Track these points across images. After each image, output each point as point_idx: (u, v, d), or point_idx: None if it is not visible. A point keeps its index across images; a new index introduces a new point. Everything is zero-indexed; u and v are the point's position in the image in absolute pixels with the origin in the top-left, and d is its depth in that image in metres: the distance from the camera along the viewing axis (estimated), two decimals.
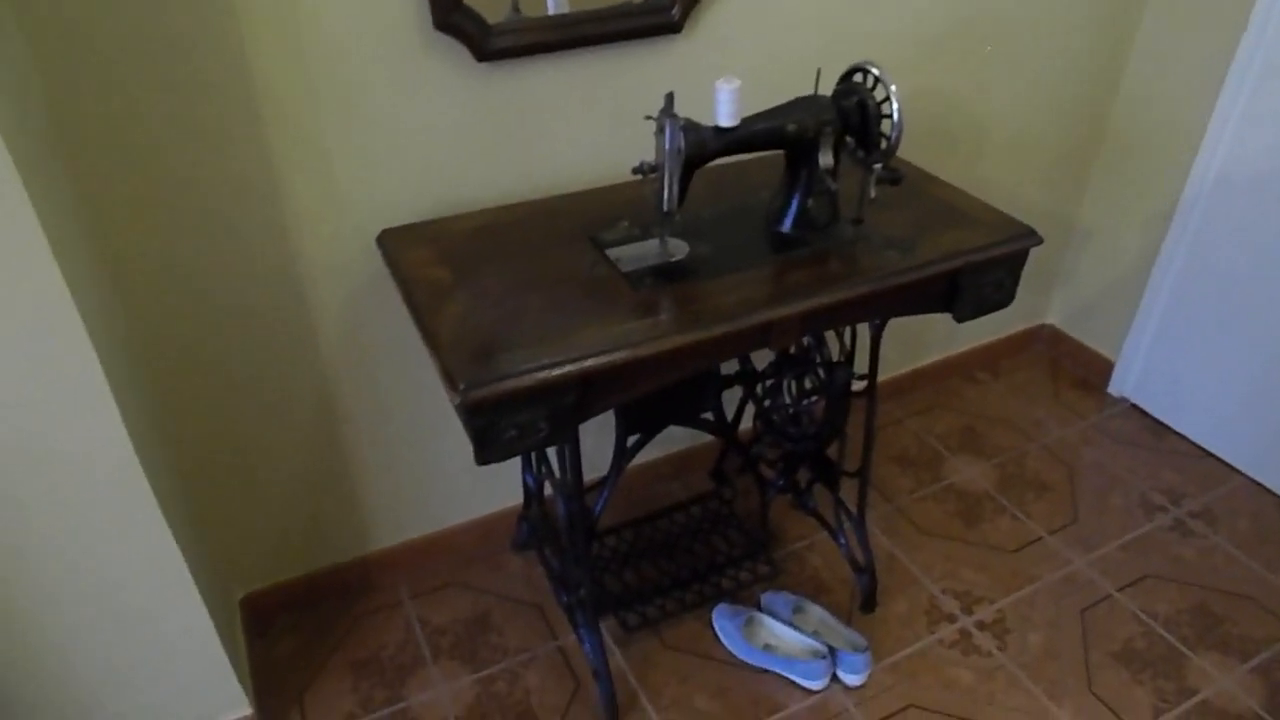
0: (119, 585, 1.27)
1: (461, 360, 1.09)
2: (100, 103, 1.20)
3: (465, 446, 1.78)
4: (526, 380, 1.07)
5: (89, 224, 1.26)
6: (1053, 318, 2.55)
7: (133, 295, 1.35)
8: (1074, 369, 2.50)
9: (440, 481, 1.82)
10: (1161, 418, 2.29)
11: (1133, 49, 2.11)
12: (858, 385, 1.63)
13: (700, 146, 1.22)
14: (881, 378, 2.28)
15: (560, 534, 1.56)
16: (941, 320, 2.20)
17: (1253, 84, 1.88)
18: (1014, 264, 1.42)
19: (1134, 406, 2.35)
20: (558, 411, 1.13)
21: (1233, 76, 1.91)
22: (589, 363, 1.10)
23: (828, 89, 1.36)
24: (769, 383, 1.76)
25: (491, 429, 1.09)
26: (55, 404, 1.08)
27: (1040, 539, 1.97)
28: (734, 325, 1.18)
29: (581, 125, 1.53)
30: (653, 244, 1.33)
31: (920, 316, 2.12)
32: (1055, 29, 1.97)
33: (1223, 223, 2.02)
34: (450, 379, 1.07)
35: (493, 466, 1.80)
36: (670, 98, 1.19)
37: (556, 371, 1.08)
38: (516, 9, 1.46)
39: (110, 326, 1.24)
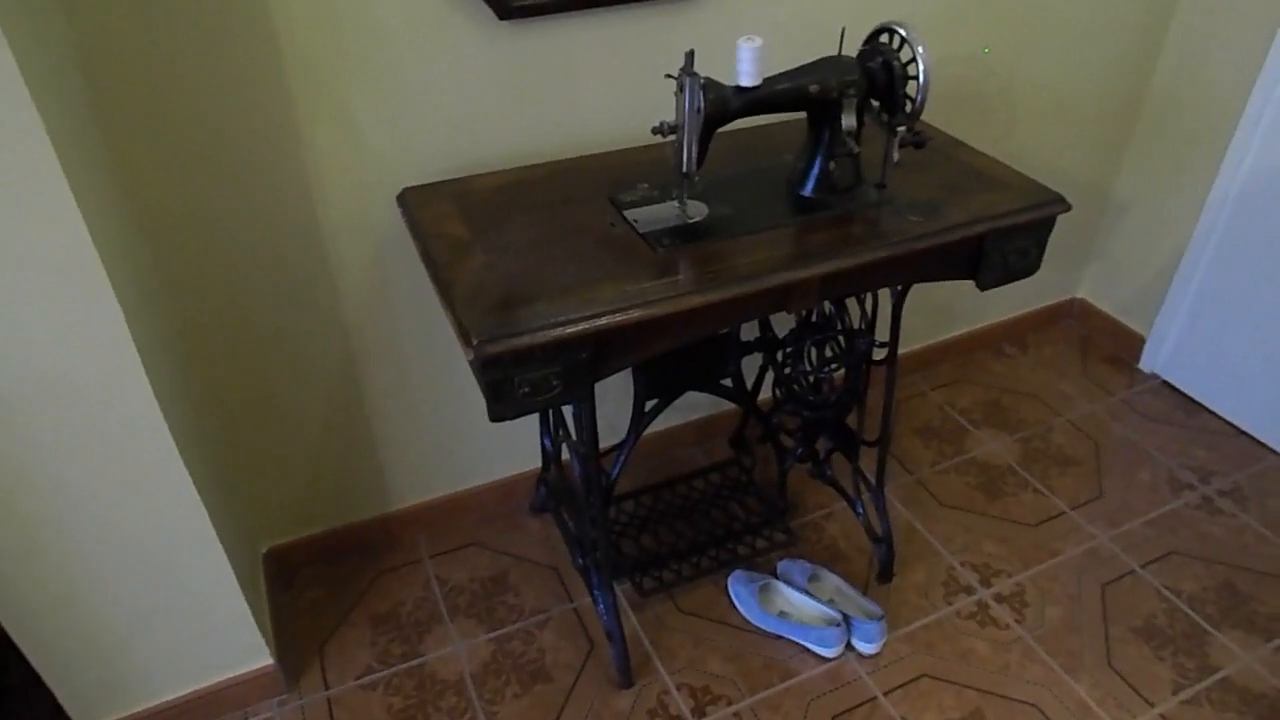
0: (142, 532, 1.30)
1: (476, 315, 1.10)
2: (129, 53, 1.21)
3: (483, 409, 1.80)
4: (541, 336, 1.07)
5: (117, 173, 1.27)
6: (1084, 292, 2.50)
7: (159, 244, 1.37)
8: (1104, 344, 2.46)
9: (461, 442, 1.84)
10: (1193, 395, 2.25)
11: (1176, 13, 2.04)
12: (878, 354, 1.61)
13: (721, 105, 1.21)
14: (906, 349, 2.27)
15: (576, 495, 1.57)
16: (969, 292, 2.16)
17: None
18: (1041, 231, 1.39)
19: (1165, 383, 2.31)
20: (572, 369, 1.13)
21: (1277, 47, 1.84)
22: (603, 320, 1.10)
23: (851, 49, 1.33)
24: (789, 350, 1.75)
25: (505, 384, 1.10)
26: (76, 345, 1.10)
27: (1063, 514, 1.95)
28: (751, 286, 1.18)
29: (602, 85, 1.52)
30: (671, 205, 1.32)
31: (947, 286, 2.10)
32: None
33: (1262, 198, 1.97)
34: (464, 333, 1.07)
35: (512, 428, 1.82)
36: (690, 55, 1.17)
37: (571, 329, 1.08)
38: None
39: (136, 274, 1.25)
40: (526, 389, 1.11)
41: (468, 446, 1.85)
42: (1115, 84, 2.10)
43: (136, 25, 1.19)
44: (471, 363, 1.08)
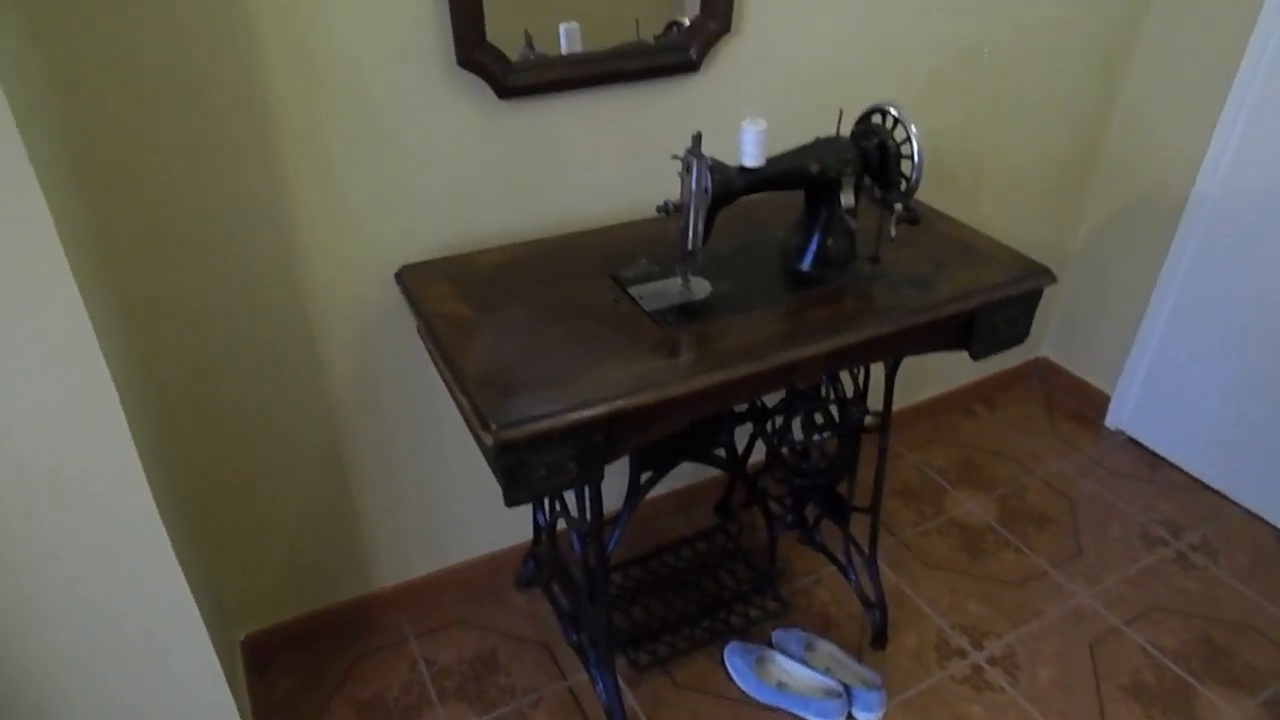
0: (123, 619, 1.23)
1: (492, 399, 1.08)
2: (115, 132, 1.18)
3: (471, 483, 1.77)
4: (559, 420, 1.06)
5: (99, 252, 1.24)
6: (1047, 350, 2.58)
7: (140, 324, 1.33)
8: (1069, 402, 2.53)
9: (445, 518, 1.80)
10: (1158, 450, 2.32)
11: (1126, 84, 2.15)
12: (869, 421, 1.63)
13: (726, 186, 1.23)
14: (877, 407, 2.30)
15: (574, 572, 1.55)
16: (938, 355, 2.21)
17: (1246, 119, 1.92)
18: (1029, 302, 1.44)
19: (1130, 439, 2.38)
20: (587, 451, 1.12)
21: (1226, 113, 1.95)
22: (620, 403, 1.09)
23: (830, 128, 1.37)
24: (779, 419, 1.76)
25: (521, 468, 1.08)
26: (71, 431, 1.05)
27: (1045, 572, 1.98)
28: (760, 365, 1.18)
29: (599, 161, 1.54)
30: (674, 282, 1.33)
31: None
32: (1048, 66, 2.01)
33: (1217, 257, 2.06)
34: (481, 418, 1.05)
35: (496, 503, 1.79)
36: (698, 138, 1.19)
37: (588, 412, 1.07)
38: (530, 45, 1.47)
39: (121, 355, 1.21)
40: (542, 472, 1.10)
41: (451, 522, 1.81)
42: (1069, 152, 2.20)
43: (123, 102, 1.17)
44: (489, 448, 1.06)
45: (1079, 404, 2.50)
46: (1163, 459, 2.30)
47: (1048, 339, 2.56)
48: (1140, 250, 2.23)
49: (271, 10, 1.19)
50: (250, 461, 1.54)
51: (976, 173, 2.07)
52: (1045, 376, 2.60)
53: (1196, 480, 2.23)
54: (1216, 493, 2.19)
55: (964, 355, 1.43)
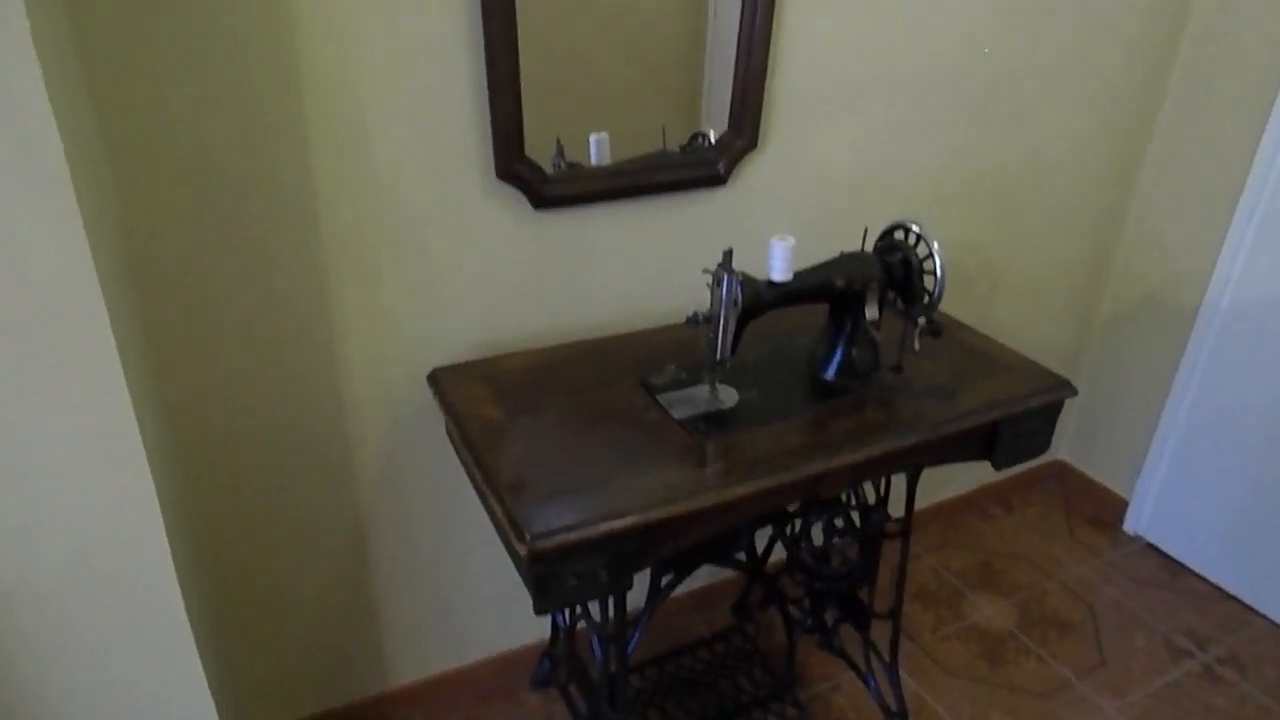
0: (141, 713, 1.22)
1: (525, 507, 1.09)
2: (162, 226, 1.23)
3: (491, 580, 1.77)
4: (592, 530, 1.07)
5: (143, 343, 1.27)
6: (1064, 454, 2.58)
7: (175, 415, 1.35)
8: (1087, 505, 2.52)
9: (464, 615, 1.79)
10: (1178, 557, 2.30)
11: (1136, 196, 2.22)
12: (889, 527, 1.63)
13: (756, 300, 1.26)
14: (898, 513, 2.29)
15: (592, 673, 1.53)
16: None
17: (1256, 228, 1.97)
18: (1049, 414, 1.45)
19: (1149, 545, 2.36)
20: (618, 560, 1.12)
21: (1235, 223, 2.00)
22: (653, 513, 1.10)
23: (850, 239, 1.41)
24: (799, 522, 1.76)
25: (553, 578, 1.09)
26: (108, 529, 1.06)
27: (1068, 683, 1.95)
28: (789, 476, 1.20)
29: (630, 268, 1.58)
30: (703, 390, 1.36)
31: None
32: (1061, 180, 2.07)
33: (1231, 362, 2.08)
34: (516, 527, 1.07)
35: (515, 601, 1.79)
36: (729, 255, 1.23)
37: (621, 522, 1.09)
38: (561, 154, 1.53)
39: (157, 449, 1.23)
40: (573, 581, 1.10)
41: (470, 619, 1.80)
42: (1082, 260, 2.25)
43: (177, 208, 1.22)
44: (522, 558, 1.07)
45: (1097, 508, 2.49)
46: (1184, 566, 2.28)
47: (1064, 442, 2.57)
48: (1155, 355, 2.26)
49: (323, 120, 1.25)
50: (271, 552, 1.55)
51: (992, 280, 2.12)
52: (1062, 479, 2.60)
53: (1219, 589, 2.21)
54: (1240, 602, 2.16)
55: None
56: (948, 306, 1.68)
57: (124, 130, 1.15)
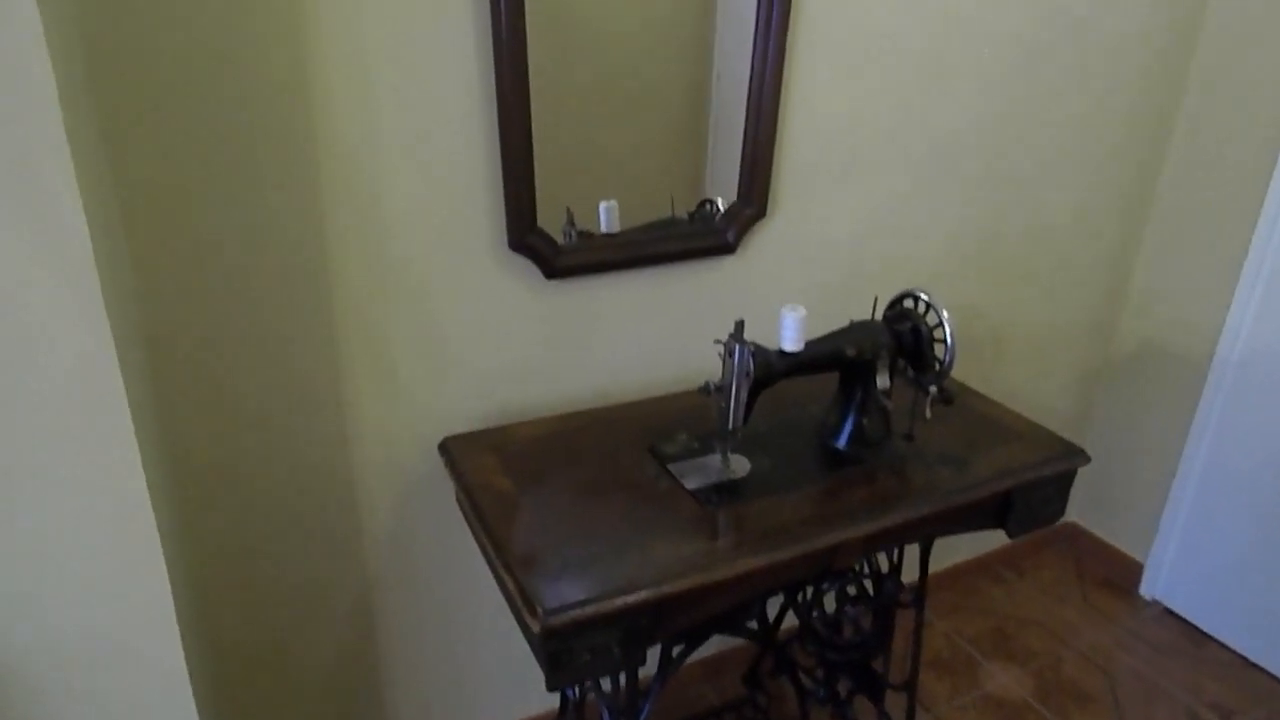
0: None
1: (537, 581, 1.08)
2: (177, 303, 1.24)
3: (499, 651, 1.74)
4: (605, 606, 1.06)
5: (154, 421, 1.28)
6: (1075, 515, 2.56)
7: (185, 484, 1.35)
8: (1100, 569, 2.49)
9: (471, 685, 1.76)
10: (1198, 623, 2.26)
11: (1141, 256, 2.23)
12: (903, 596, 1.61)
13: (767, 370, 1.27)
14: (909, 579, 2.27)
15: None
16: None
17: (1265, 284, 1.97)
18: (1063, 481, 1.45)
19: (1167, 610, 2.32)
20: (631, 635, 1.11)
21: (1243, 282, 2.01)
22: (666, 587, 1.09)
23: (859, 305, 1.42)
24: (811, 591, 1.74)
25: (566, 653, 1.07)
26: (119, 606, 1.05)
27: None
28: (803, 548, 1.19)
29: (640, 336, 1.59)
30: (714, 459, 1.35)
31: None
32: (1066, 244, 2.09)
33: (1246, 416, 2.07)
34: (529, 603, 1.05)
35: (526, 671, 1.76)
36: (740, 326, 1.24)
37: (634, 597, 1.07)
38: (571, 222, 1.55)
39: (167, 519, 1.23)
40: (587, 657, 1.09)
41: (477, 689, 1.77)
42: (1088, 322, 2.26)
43: (193, 281, 1.24)
44: (533, 634, 1.05)
45: (1111, 571, 2.46)
46: (1204, 633, 2.24)
47: (1076, 504, 2.54)
48: (1165, 414, 2.25)
49: (339, 198, 1.27)
50: (281, 623, 1.53)
51: (999, 343, 2.12)
52: (1074, 542, 2.57)
53: (1242, 657, 2.16)
54: (1265, 672, 2.12)
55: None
56: (955, 370, 1.68)
57: (143, 210, 1.17)
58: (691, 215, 1.63)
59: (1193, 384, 2.17)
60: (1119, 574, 2.44)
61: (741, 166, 1.55)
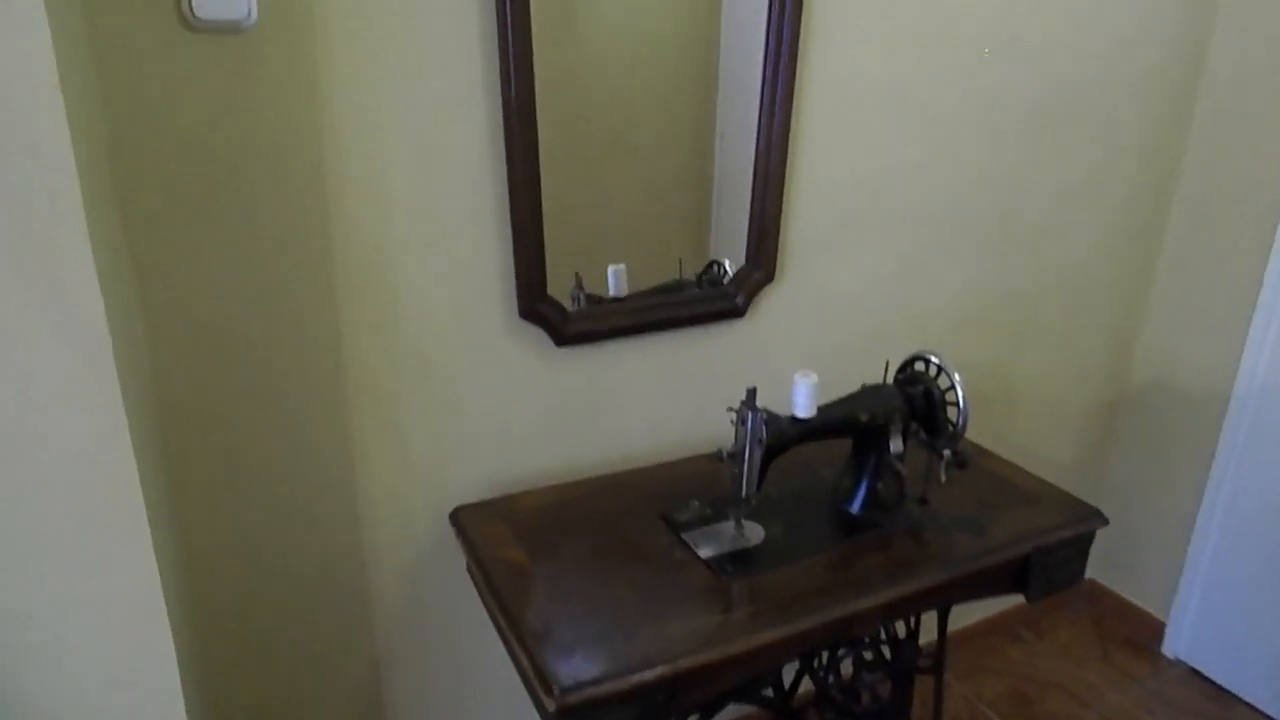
0: None
1: (552, 658, 1.07)
2: (189, 378, 1.24)
3: (508, 716, 1.71)
4: (621, 683, 1.04)
5: (164, 499, 1.27)
6: (1093, 572, 2.52)
7: (193, 560, 1.34)
8: (1121, 627, 2.44)
9: None
10: (1225, 684, 2.21)
11: (1149, 314, 2.23)
12: (921, 662, 1.58)
13: (780, 437, 1.26)
14: (924, 639, 2.23)
15: None
16: None
17: (1275, 336, 1.96)
18: (1081, 544, 1.43)
19: (1192, 670, 2.27)
20: (647, 711, 1.09)
21: (1253, 336, 2.00)
22: (682, 662, 1.07)
23: (869, 366, 1.42)
24: (827, 656, 1.71)
25: None
26: (126, 686, 1.04)
27: None
28: (820, 619, 1.17)
29: (650, 401, 1.59)
30: (728, 526, 1.34)
31: None
32: (1073, 301, 2.10)
33: (1261, 474, 2.04)
34: (544, 680, 1.04)
35: None
36: (753, 393, 1.24)
37: (651, 673, 1.06)
38: (580, 286, 1.56)
39: (176, 592, 1.21)
40: None
41: None
42: (1099, 378, 2.26)
43: (205, 357, 1.24)
44: (549, 713, 1.03)
45: (1132, 630, 2.41)
46: (1231, 694, 2.19)
47: (1093, 560, 2.47)
48: (1180, 469, 2.23)
49: (351, 272, 1.28)
50: (288, 699, 1.50)
51: (1010, 399, 2.12)
52: (1093, 600, 2.52)
53: (1269, 718, 2.11)
54: None
55: None
56: (968, 429, 1.68)
57: (156, 288, 1.18)
58: (699, 277, 1.64)
59: (1208, 432, 2.15)
60: (1140, 632, 2.39)
61: (749, 232, 1.57)
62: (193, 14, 1.07)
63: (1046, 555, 1.39)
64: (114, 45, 1.06)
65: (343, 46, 1.18)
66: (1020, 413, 2.16)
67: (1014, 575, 1.40)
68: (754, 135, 1.51)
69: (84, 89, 0.97)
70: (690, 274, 1.64)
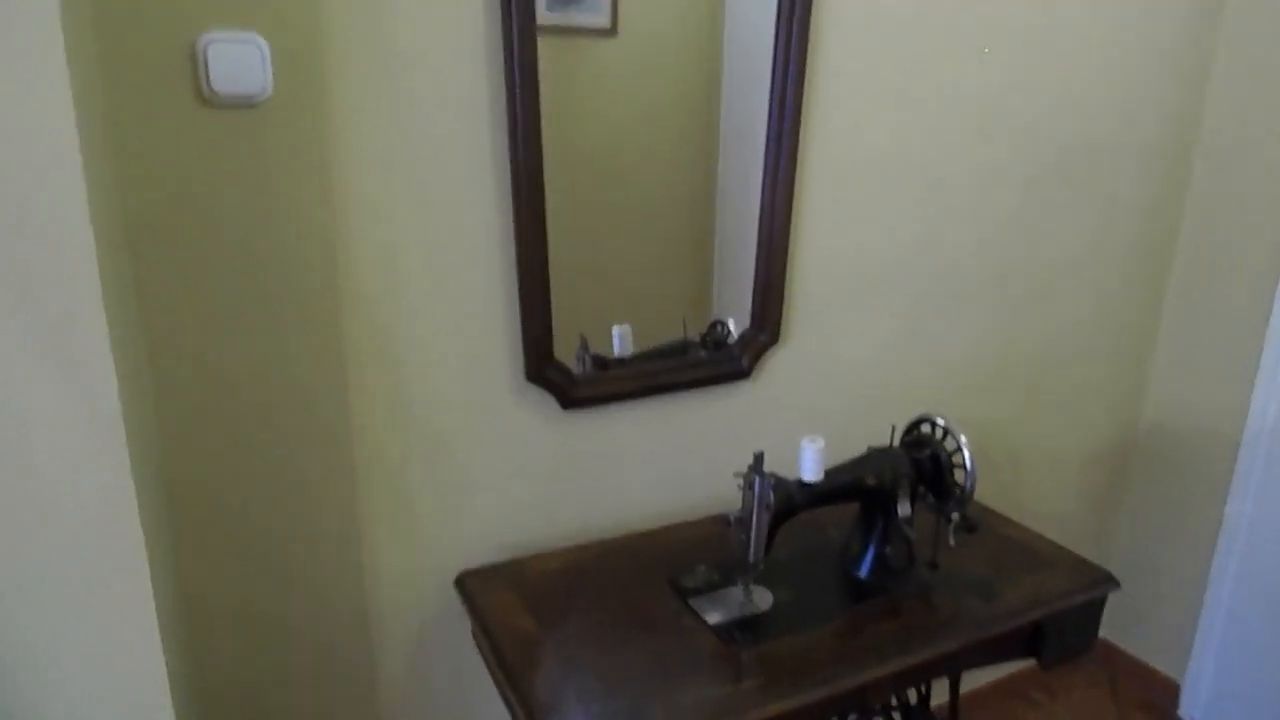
0: None
1: None
2: (195, 446, 1.25)
3: None
4: None
5: (169, 567, 1.26)
6: (1105, 632, 2.48)
7: (193, 620, 1.32)
8: (1136, 689, 2.40)
9: None
10: None
11: (1155, 370, 2.23)
12: None
13: (788, 502, 1.26)
14: (936, 701, 2.19)
15: None
16: None
17: None
18: (1094, 609, 1.41)
19: None
20: None
21: (1263, 370, 1.99)
22: None
23: (875, 427, 1.42)
24: None
25: None
26: None
27: None
28: (830, 689, 1.16)
29: (656, 464, 1.59)
30: (735, 592, 1.33)
31: None
32: (1078, 359, 2.10)
33: (1275, 525, 2.02)
34: None
35: None
36: (760, 458, 1.24)
37: None
38: (585, 347, 1.56)
39: (175, 644, 1.20)
40: None
41: None
42: (1106, 438, 2.25)
43: (211, 423, 1.24)
44: None
45: (1147, 692, 2.37)
46: None
47: (1106, 620, 2.44)
48: (1190, 525, 2.21)
49: (359, 339, 1.29)
50: None
51: (1017, 459, 2.11)
52: (1107, 661, 2.48)
53: None
54: None
55: None
56: (975, 490, 1.67)
57: (166, 358, 1.19)
58: (703, 337, 1.65)
59: (1219, 487, 2.13)
60: (1156, 694, 2.35)
61: (754, 294, 1.58)
62: (211, 90, 1.09)
63: (1059, 621, 1.37)
64: (132, 122, 1.09)
65: (355, 119, 1.21)
66: (1027, 472, 2.15)
67: (1027, 641, 1.38)
68: (757, 198, 1.53)
69: (103, 167, 0.99)
70: (694, 334, 1.65)
